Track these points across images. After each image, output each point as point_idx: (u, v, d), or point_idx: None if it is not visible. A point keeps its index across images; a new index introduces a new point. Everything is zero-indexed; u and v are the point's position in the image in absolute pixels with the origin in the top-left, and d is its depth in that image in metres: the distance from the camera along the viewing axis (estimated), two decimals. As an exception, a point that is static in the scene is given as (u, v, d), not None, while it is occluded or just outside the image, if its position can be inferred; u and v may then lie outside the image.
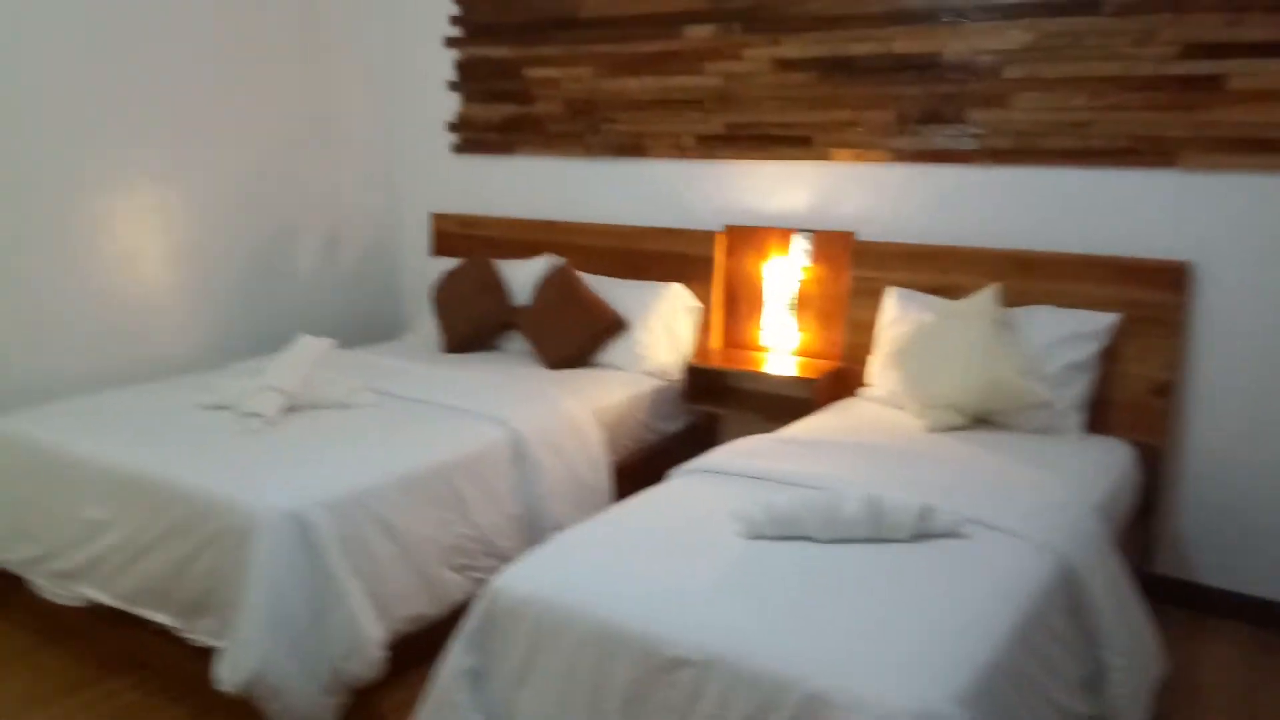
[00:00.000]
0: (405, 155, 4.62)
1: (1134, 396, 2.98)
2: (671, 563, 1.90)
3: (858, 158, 3.43)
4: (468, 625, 1.87)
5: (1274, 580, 2.90)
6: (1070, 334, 2.96)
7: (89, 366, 3.45)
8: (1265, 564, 2.91)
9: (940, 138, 3.27)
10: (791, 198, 3.61)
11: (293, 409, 2.90)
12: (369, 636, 2.27)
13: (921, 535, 2.01)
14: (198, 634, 2.32)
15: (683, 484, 2.43)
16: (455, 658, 1.85)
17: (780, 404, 3.54)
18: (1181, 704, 2.47)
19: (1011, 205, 3.18)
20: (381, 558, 2.39)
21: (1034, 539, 2.04)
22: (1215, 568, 2.97)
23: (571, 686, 1.73)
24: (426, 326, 4.20)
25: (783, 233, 3.63)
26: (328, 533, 2.27)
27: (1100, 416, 2.98)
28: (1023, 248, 3.15)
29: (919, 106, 3.29)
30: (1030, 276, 3.11)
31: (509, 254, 4.16)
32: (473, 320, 3.96)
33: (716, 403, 3.65)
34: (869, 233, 3.44)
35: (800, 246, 3.58)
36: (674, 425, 3.70)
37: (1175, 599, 3.01)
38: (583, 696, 1.72)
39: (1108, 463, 2.74)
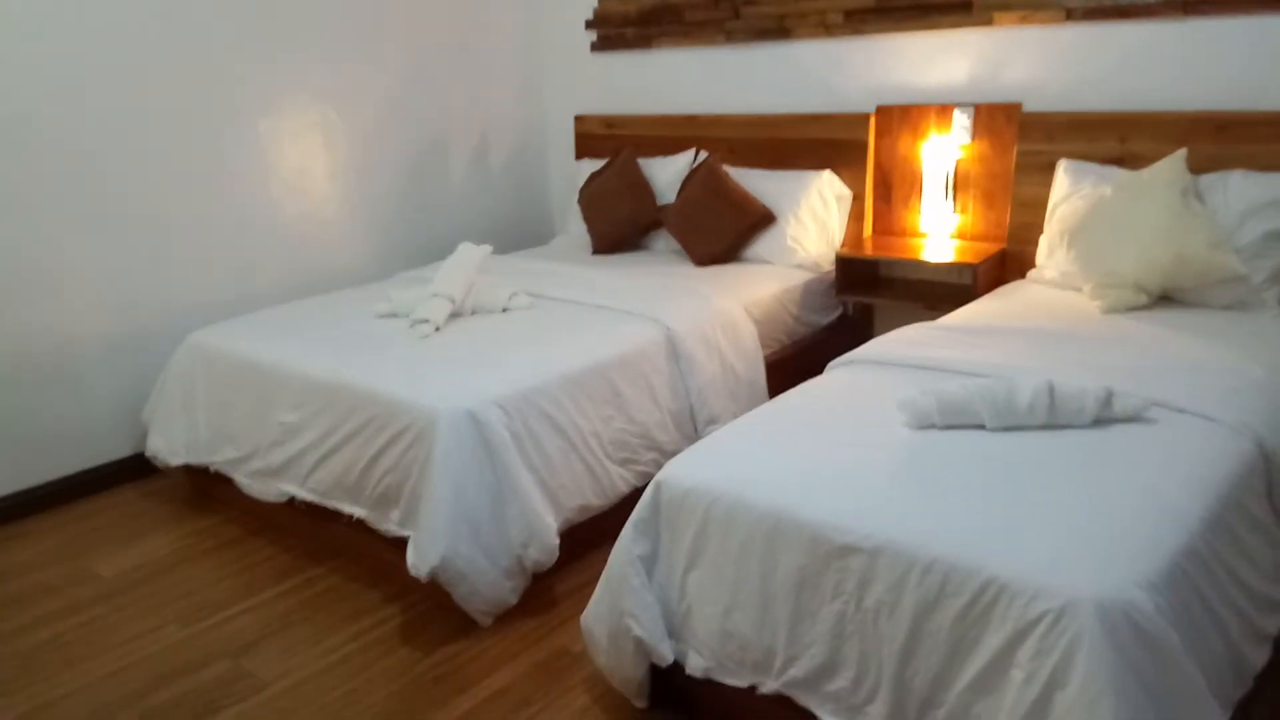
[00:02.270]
0: (547, 58, 4.61)
1: (1344, 266, 2.71)
2: (837, 452, 1.89)
3: (1024, 20, 3.18)
4: (638, 514, 1.93)
5: None
6: (1269, 200, 2.70)
7: (268, 280, 3.68)
8: None
9: (1119, -9, 2.98)
10: (950, 70, 3.39)
11: (457, 314, 3.02)
12: (545, 524, 2.39)
13: (1103, 420, 1.92)
14: (388, 524, 2.50)
15: (843, 375, 2.40)
16: (627, 544, 1.92)
17: (939, 291, 3.41)
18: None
19: (1202, 61, 2.89)
20: (550, 452, 2.49)
21: (1227, 421, 1.91)
22: None
23: (741, 572, 1.77)
24: (575, 229, 4.25)
25: (941, 109, 3.43)
26: (501, 429, 2.38)
27: (1302, 290, 2.73)
28: (1214, 108, 2.86)
29: (1094, -42, 3.00)
30: (1223, 140, 2.84)
31: (652, 151, 4.12)
32: (619, 221, 3.98)
33: (870, 292, 3.55)
34: (1037, 103, 3.21)
35: (960, 122, 3.39)
36: (826, 317, 3.64)
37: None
38: (753, 581, 1.76)
39: (1310, 340, 2.51)
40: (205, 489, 3.18)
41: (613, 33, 4.32)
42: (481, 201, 4.51)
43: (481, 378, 2.50)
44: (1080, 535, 1.54)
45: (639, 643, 1.88)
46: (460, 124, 4.37)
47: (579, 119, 4.50)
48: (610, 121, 4.38)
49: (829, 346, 3.63)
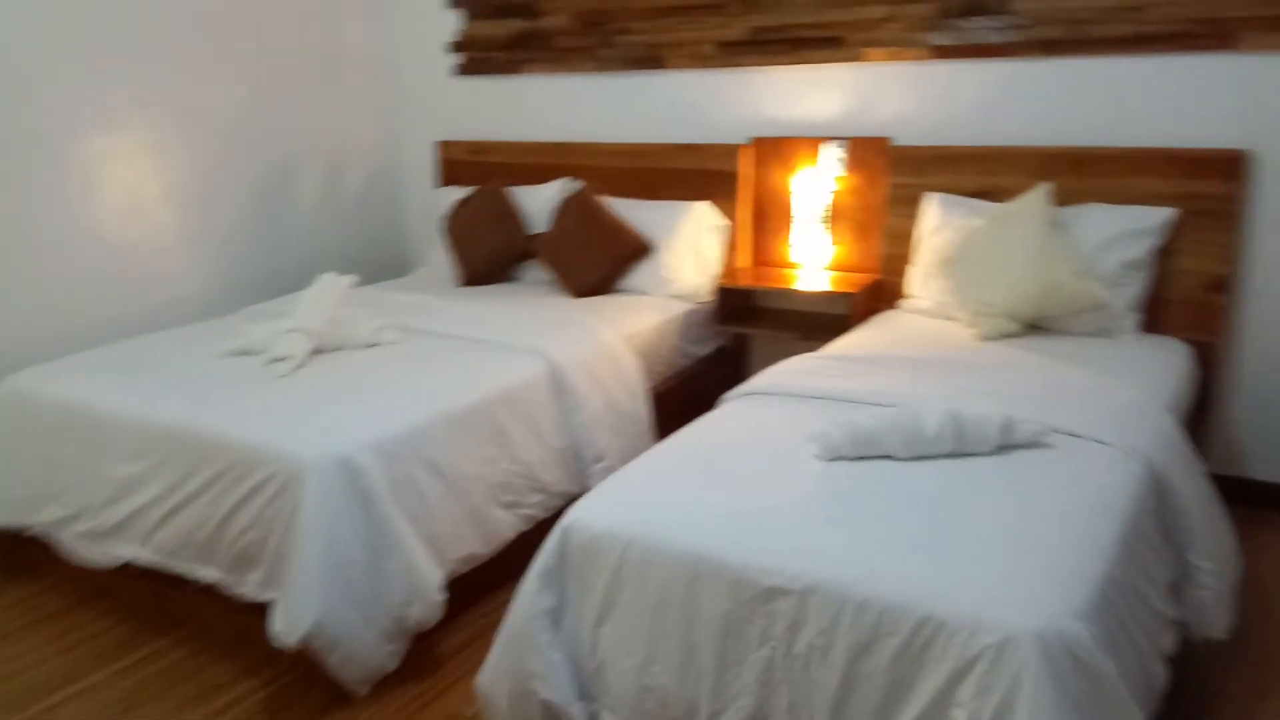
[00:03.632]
0: (406, 81, 4.41)
1: (1189, 294, 2.87)
2: (752, 489, 1.81)
3: (893, 57, 3.26)
4: (542, 564, 1.78)
5: (1337, 474, 2.85)
6: (1124, 231, 2.84)
7: (96, 316, 3.32)
8: (1327, 458, 2.85)
9: (983, 31, 3.09)
10: (822, 104, 3.44)
11: (319, 350, 2.78)
12: (428, 580, 2.20)
13: (1004, 447, 1.92)
14: (246, 588, 2.24)
15: (740, 408, 2.33)
16: (532, 597, 1.76)
17: (816, 321, 3.43)
18: (1247, 598, 2.41)
19: (1059, 100, 3.03)
20: (431, 499, 2.30)
21: (1119, 445, 1.95)
22: (1271, 463, 2.90)
23: (660, 621, 1.65)
24: (439, 259, 4.06)
25: (813, 142, 3.47)
26: (378, 476, 2.17)
27: (1154, 315, 2.88)
28: (1072, 144, 3.00)
29: (960, -2, 3.11)
30: (1080, 174, 2.97)
31: (521, 180, 3.99)
32: (489, 251, 3.82)
33: (749, 323, 3.53)
34: (906, 137, 3.29)
35: (832, 155, 3.43)
36: (705, 349, 3.59)
37: (1231, 496, 2.92)
38: (674, 630, 1.64)
39: (1167, 362, 2.65)
40: (16, 555, 2.79)
41: (478, 57, 4.18)
42: (334, 230, 4.25)
43: (353, 420, 2.29)
44: (1009, 567, 1.51)
45: (546, 706, 1.72)
46: (312, 149, 4.11)
47: (442, 145, 4.32)
48: (476, 148, 4.23)
49: (708, 378, 3.59)
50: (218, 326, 3.18)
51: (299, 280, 3.98)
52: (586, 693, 1.75)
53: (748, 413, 2.28)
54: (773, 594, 1.55)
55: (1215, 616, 1.97)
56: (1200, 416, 2.88)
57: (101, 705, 2.15)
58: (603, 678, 1.73)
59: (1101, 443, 1.95)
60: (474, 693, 2.10)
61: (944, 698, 1.40)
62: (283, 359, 2.66)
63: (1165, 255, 2.86)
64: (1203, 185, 2.82)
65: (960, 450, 1.90)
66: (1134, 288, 2.82)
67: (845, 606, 1.49)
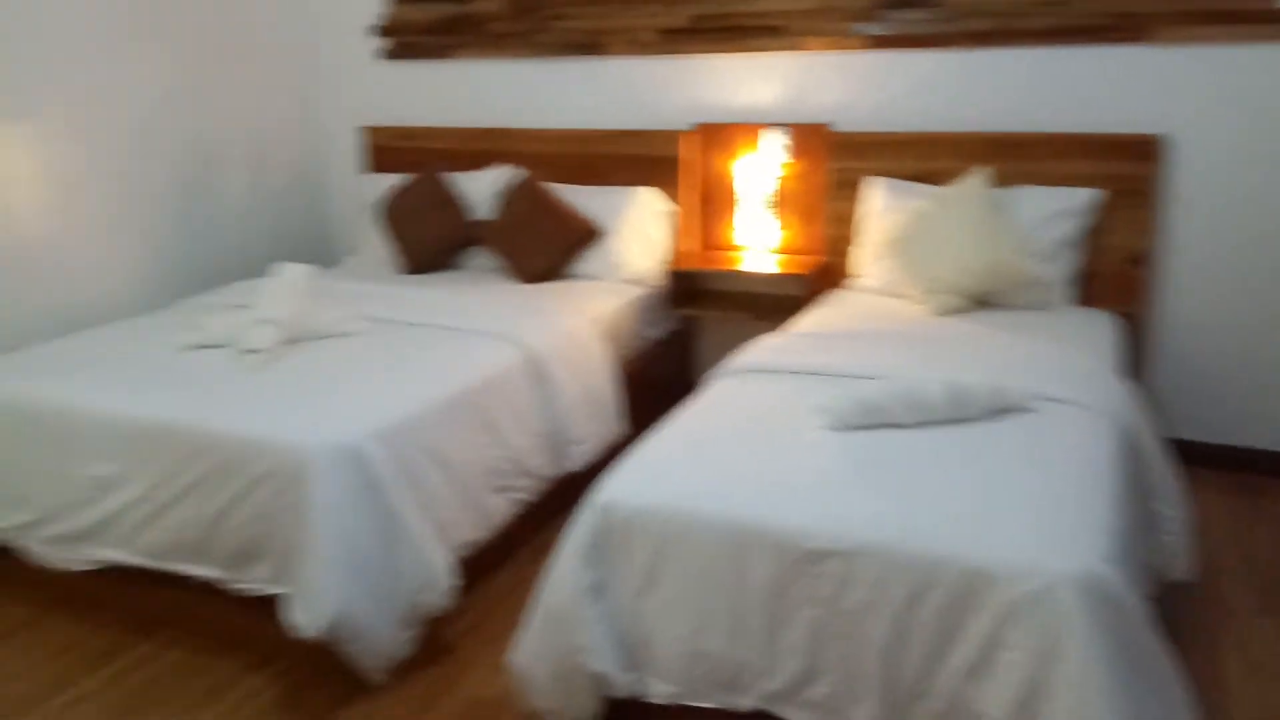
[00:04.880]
0: (327, 65, 4.29)
1: (1114, 268, 3.13)
2: (774, 459, 1.90)
3: (831, 46, 3.40)
4: (579, 541, 1.82)
5: (1245, 430, 3.16)
6: (1056, 211, 3.06)
7: (16, 311, 3.12)
8: (1237, 416, 3.16)
9: (915, 22, 3.27)
10: (763, 91, 3.55)
11: (288, 341, 2.71)
12: (439, 566, 2.20)
13: (996, 412, 2.08)
14: (249, 583, 2.19)
15: (730, 385, 2.41)
16: (573, 574, 1.80)
17: (768, 302, 3.55)
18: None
19: (990, 88, 3.23)
20: (433, 486, 2.30)
21: (1094, 407, 2.14)
22: (1194, 423, 3.19)
23: (707, 590, 1.73)
24: (372, 247, 3.98)
25: (756, 128, 3.58)
26: (384, 464, 2.16)
27: (1084, 289, 3.12)
28: (1003, 130, 3.21)
29: (894, -10, 3.27)
30: (1013, 158, 3.19)
31: (455, 166, 3.95)
32: (431, 238, 3.78)
33: (700, 305, 3.63)
34: (846, 123, 3.44)
35: (775, 141, 3.55)
36: (658, 331, 3.67)
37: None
38: (721, 597, 1.72)
39: (1101, 332, 2.88)
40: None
41: (405, 41, 4.11)
42: (259, 218, 4.10)
43: (351, 409, 2.26)
44: (1037, 519, 1.65)
45: (597, 678, 1.77)
46: (233, 135, 3.95)
47: (371, 130, 4.23)
48: (405, 133, 4.15)
49: (664, 361, 3.68)
50: (161, 320, 3.06)
51: (224, 272, 3.86)
52: (632, 663, 1.81)
53: (740, 389, 2.37)
54: (820, 556, 1.64)
55: (1179, 560, 2.19)
56: (1129, 383, 3.15)
57: (101, 713, 2.07)
58: (649, 648, 1.79)
59: (1078, 405, 2.13)
60: (493, 674, 2.15)
61: (993, 641, 1.53)
62: (255, 351, 2.59)
63: (1092, 233, 3.11)
64: (1123, 167, 3.07)
65: (957, 416, 2.04)
66: (1066, 263, 3.06)
67: (892, 564, 1.60)
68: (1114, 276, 3.13)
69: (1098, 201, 3.09)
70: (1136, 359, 3.09)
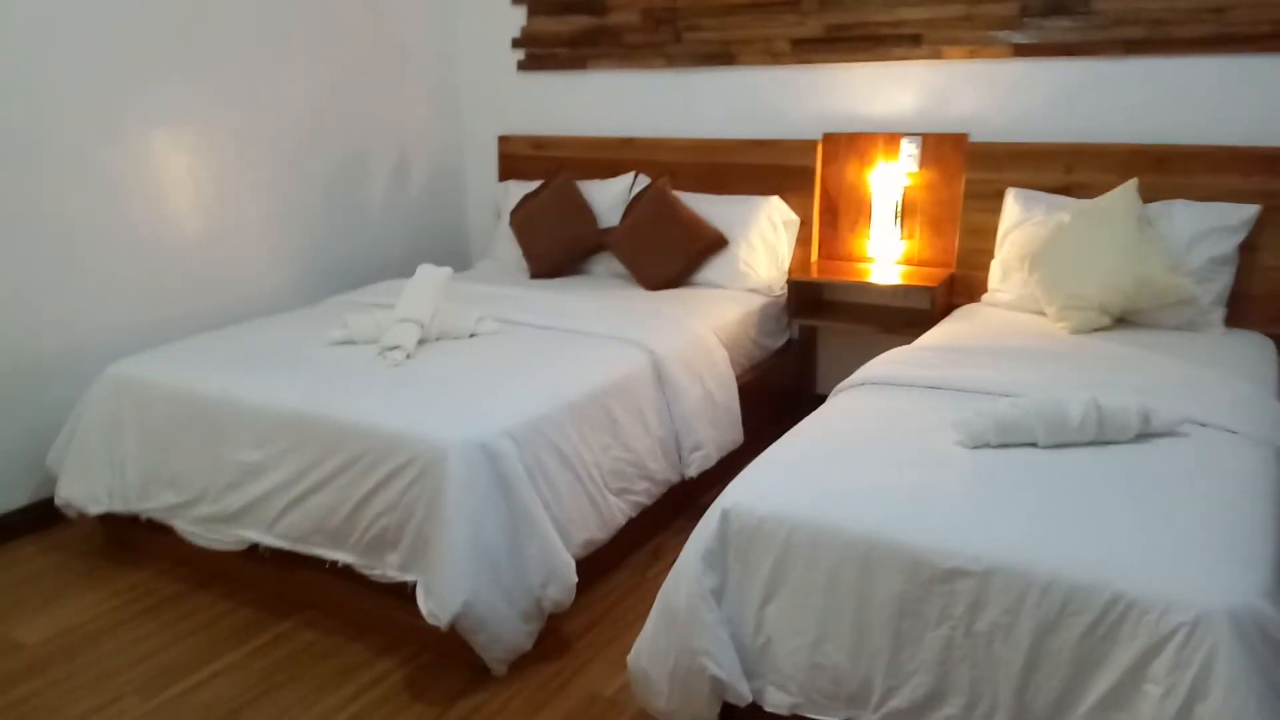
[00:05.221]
0: (470, 75, 4.44)
1: (1271, 289, 2.95)
2: (905, 473, 1.86)
3: (972, 55, 3.31)
4: (702, 545, 1.83)
5: None
6: (1211, 228, 2.90)
7: (182, 309, 3.35)
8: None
9: (1064, 30, 3.16)
10: (897, 100, 3.49)
11: (423, 340, 2.82)
12: (564, 562, 2.25)
13: (1143, 436, 1.98)
14: (383, 569, 2.28)
15: (857, 397, 2.38)
16: (695, 577, 1.81)
17: (892, 315, 3.49)
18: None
19: (1140, 98, 3.09)
20: (559, 485, 2.35)
21: (1248, 434, 2.02)
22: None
23: (832, 601, 1.71)
24: (503, 251, 4.10)
25: (888, 137, 3.52)
26: (514, 461, 2.22)
27: (1237, 310, 2.95)
28: (1154, 141, 3.07)
29: (1043, -2, 3.17)
30: (1163, 171, 3.04)
31: (586, 174, 4.04)
32: (560, 244, 3.86)
33: (820, 316, 3.59)
34: (983, 133, 3.35)
35: (908, 151, 3.49)
36: (777, 341, 3.65)
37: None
38: (846, 610, 1.70)
39: (1258, 356, 2.71)
40: (126, 540, 2.83)
41: (543, 52, 4.22)
42: (399, 223, 4.28)
43: (486, 407, 2.34)
44: (1188, 547, 1.57)
45: (715, 682, 1.77)
46: (378, 143, 4.14)
47: (504, 139, 4.36)
48: (539, 142, 4.27)
49: (782, 371, 3.66)
50: (308, 316, 3.23)
51: (367, 273, 4.04)
52: (751, 670, 1.80)
53: (868, 402, 2.33)
54: (953, 575, 1.60)
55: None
56: None
57: (241, 685, 2.19)
58: (768, 655, 1.78)
59: (1234, 430, 2.02)
60: (609, 672, 2.17)
61: (1136, 674, 1.46)
62: (395, 348, 2.70)
63: (1248, 250, 2.93)
64: (1284, 182, 2.89)
65: (1101, 439, 1.96)
66: (1221, 282, 2.89)
67: (1030, 587, 1.54)
68: (1270, 298, 2.94)
69: (1254, 218, 2.91)
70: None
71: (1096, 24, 3.11)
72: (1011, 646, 1.56)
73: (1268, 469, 1.90)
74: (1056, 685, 1.53)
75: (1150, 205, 2.99)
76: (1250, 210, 2.91)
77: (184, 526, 2.60)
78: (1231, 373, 2.47)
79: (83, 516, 2.77)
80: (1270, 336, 2.90)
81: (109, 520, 2.79)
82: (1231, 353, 2.68)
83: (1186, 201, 2.98)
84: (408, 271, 4.12)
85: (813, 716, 1.75)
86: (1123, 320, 2.92)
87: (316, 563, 2.41)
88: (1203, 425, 2.05)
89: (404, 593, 2.26)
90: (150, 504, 2.65)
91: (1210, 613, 1.42)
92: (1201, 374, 2.42)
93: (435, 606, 2.10)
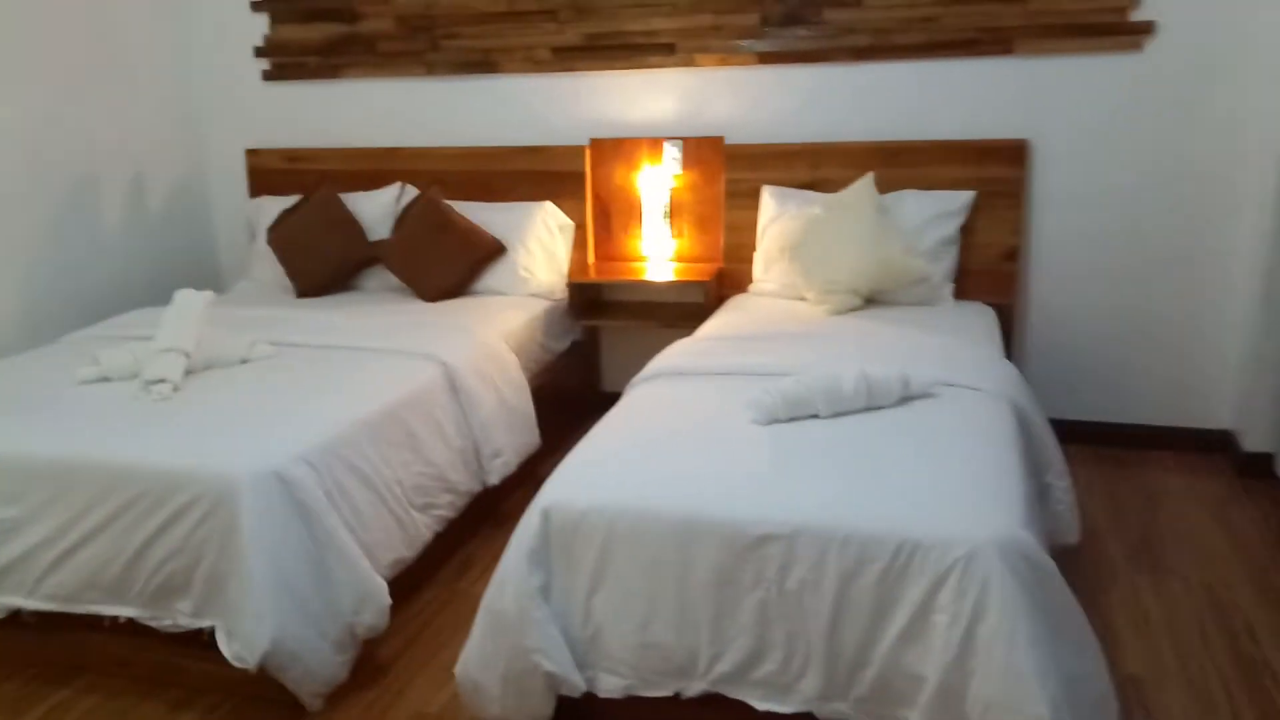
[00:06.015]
0: (209, 88, 4.17)
1: (988, 263, 3.37)
2: (709, 454, 1.98)
3: (723, 62, 3.53)
4: (526, 545, 1.85)
5: (1107, 406, 3.45)
6: (936, 213, 3.28)
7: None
8: (1096, 393, 3.44)
9: (800, 39, 3.44)
10: (658, 106, 3.66)
11: (189, 371, 2.63)
12: (376, 586, 2.19)
13: (905, 399, 2.22)
14: (173, 618, 2.12)
15: (652, 390, 2.48)
16: (521, 577, 1.83)
17: (669, 310, 3.65)
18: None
19: (872, 99, 3.43)
20: (362, 507, 2.29)
21: (989, 390, 2.31)
22: (1060, 402, 3.44)
23: (655, 583, 1.78)
24: (263, 272, 3.90)
25: (652, 142, 3.68)
26: (312, 487, 2.13)
27: (963, 284, 3.34)
28: (886, 139, 3.41)
29: (779, 9, 3.43)
30: (894, 164, 3.39)
31: (347, 186, 3.91)
32: (328, 260, 3.73)
33: (604, 316, 3.69)
34: (739, 136, 3.58)
35: (671, 154, 3.66)
36: (563, 343, 3.71)
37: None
38: (669, 588, 1.78)
39: (983, 323, 3.09)
40: None
41: (290, 61, 4.04)
42: (139, 248, 3.94)
43: (274, 433, 2.22)
44: (955, 493, 1.78)
45: (549, 677, 1.80)
46: (109, 164, 3.80)
47: (252, 153, 4.13)
48: (293, 155, 4.08)
49: (569, 372, 3.73)
50: (47, 354, 2.93)
51: (105, 306, 3.70)
52: (582, 660, 1.84)
53: (663, 393, 2.44)
54: (763, 541, 1.73)
55: (1069, 526, 2.38)
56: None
57: (17, 769, 1.96)
58: (598, 644, 1.83)
59: (975, 389, 2.30)
60: (431, 689, 2.15)
61: (926, 606, 1.64)
62: (160, 381, 2.50)
63: (967, 231, 3.33)
64: (994, 170, 3.31)
65: (871, 404, 2.17)
66: (948, 261, 3.27)
67: (831, 542, 1.69)
68: (988, 271, 3.36)
69: (971, 203, 3.32)
70: (1009, 346, 3.33)
71: (828, 33, 3.42)
72: (819, 598, 1.70)
73: (1008, 418, 2.18)
74: (861, 627, 1.69)
75: (886, 195, 3.32)
76: (967, 196, 3.31)
77: (-78, 602, 2.28)
78: (967, 339, 2.80)
79: None
80: (990, 305, 3.31)
81: None
82: (962, 321, 3.04)
83: (916, 191, 3.34)
84: (153, 300, 3.80)
85: (644, 694, 1.82)
86: (871, 300, 3.22)
87: (86, 623, 2.20)
88: (951, 386, 2.31)
89: (198, 641, 2.12)
90: (-127, 582, 2.30)
91: (981, 545, 1.63)
92: (944, 342, 2.73)
93: (241, 649, 1.99)
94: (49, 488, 2.17)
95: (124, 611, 2.15)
